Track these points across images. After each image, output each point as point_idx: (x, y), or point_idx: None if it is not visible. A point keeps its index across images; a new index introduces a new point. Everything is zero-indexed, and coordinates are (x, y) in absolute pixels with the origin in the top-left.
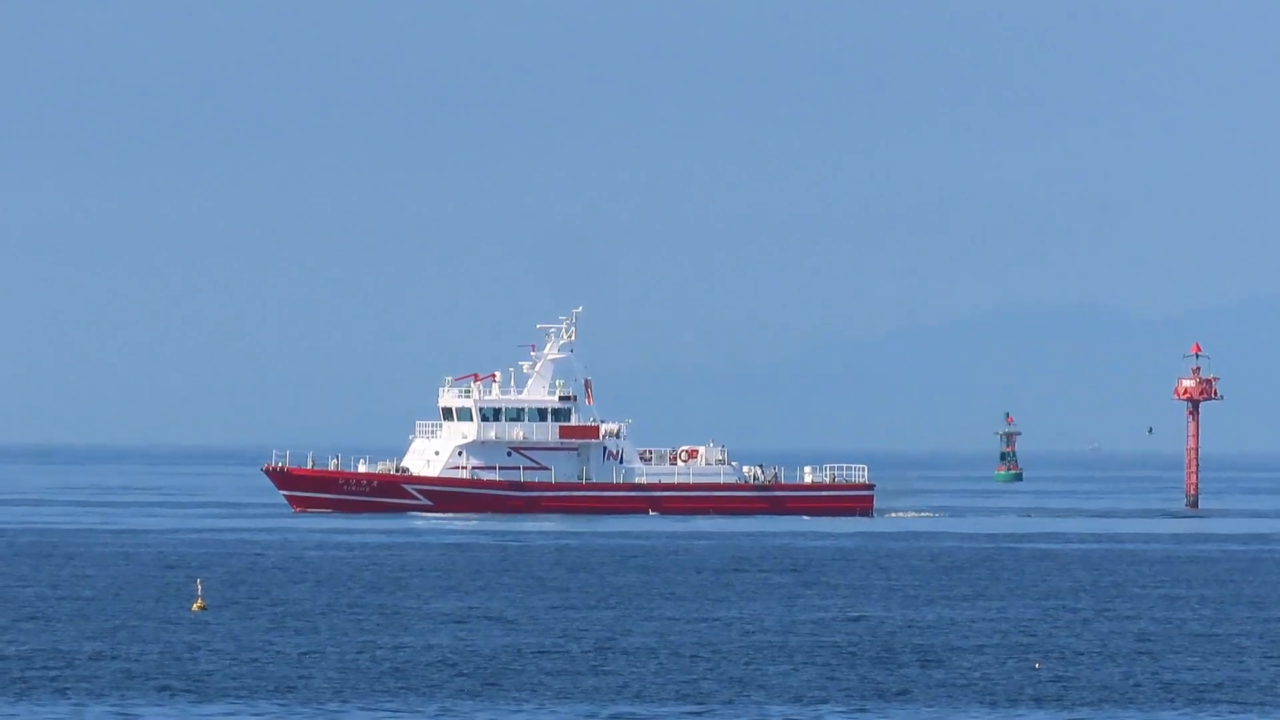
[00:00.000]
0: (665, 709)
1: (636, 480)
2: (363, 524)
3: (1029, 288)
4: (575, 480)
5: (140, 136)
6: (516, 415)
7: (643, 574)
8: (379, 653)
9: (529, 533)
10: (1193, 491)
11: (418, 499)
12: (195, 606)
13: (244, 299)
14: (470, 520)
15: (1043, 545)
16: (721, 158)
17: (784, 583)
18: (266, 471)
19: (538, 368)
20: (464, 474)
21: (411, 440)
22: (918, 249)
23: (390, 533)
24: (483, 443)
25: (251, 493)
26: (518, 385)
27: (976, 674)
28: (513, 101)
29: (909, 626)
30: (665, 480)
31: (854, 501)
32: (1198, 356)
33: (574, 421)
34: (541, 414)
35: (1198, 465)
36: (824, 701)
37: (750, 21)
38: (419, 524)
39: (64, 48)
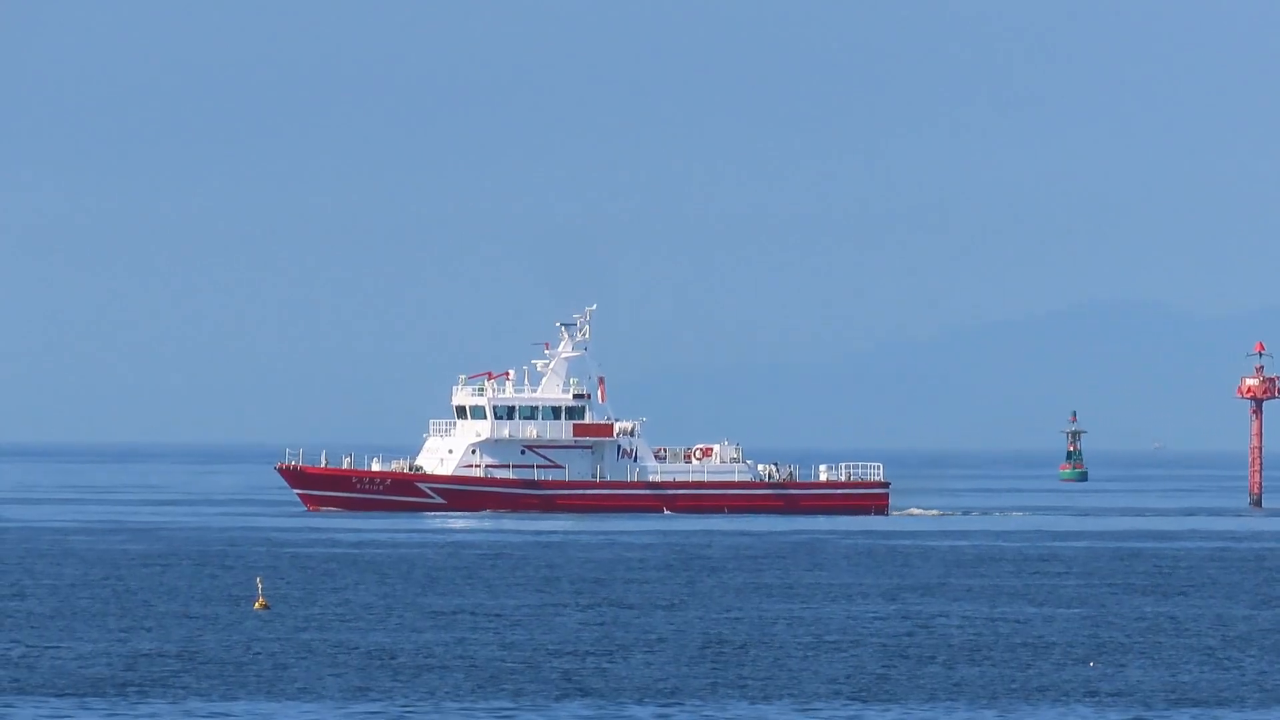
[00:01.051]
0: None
1: (650, 479)
2: (411, 523)
3: (1093, 286)
4: (589, 479)
5: (141, 136)
6: (530, 413)
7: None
8: (467, 649)
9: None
10: (1256, 490)
11: (431, 497)
12: (257, 605)
13: (246, 298)
14: (499, 518)
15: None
16: (722, 157)
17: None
18: (280, 470)
19: (552, 366)
20: (478, 472)
21: (425, 439)
22: (984, 248)
23: (471, 531)
24: (496, 441)
25: (267, 490)
26: (532, 383)
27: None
28: (514, 101)
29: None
30: (679, 479)
31: (869, 500)
32: (1261, 355)
33: (588, 420)
34: (555, 412)
35: (1261, 464)
36: (955, 700)
37: (751, 21)
38: (506, 524)
39: (64, 48)
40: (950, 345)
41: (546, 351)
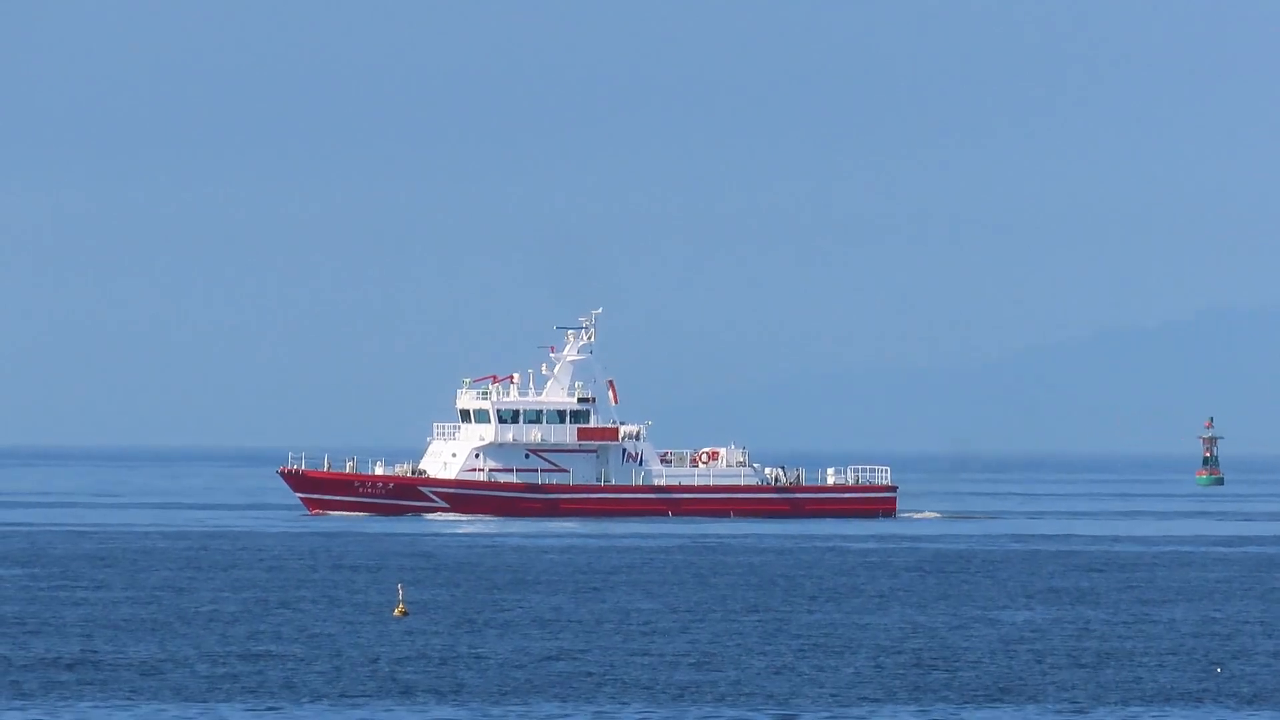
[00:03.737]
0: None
1: (656, 482)
2: (516, 526)
3: (1229, 292)
4: (594, 482)
5: (142, 137)
6: (535, 417)
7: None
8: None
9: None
10: None
11: (434, 501)
12: (396, 611)
13: (247, 301)
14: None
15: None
16: (751, 154)
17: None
18: (282, 474)
19: (557, 369)
20: (481, 476)
21: (429, 442)
22: (1118, 251)
23: (574, 534)
24: (500, 445)
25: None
26: (536, 387)
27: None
28: (514, 101)
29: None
30: (685, 482)
31: (876, 504)
32: None
33: (593, 423)
34: (560, 416)
35: None
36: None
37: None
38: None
39: (63, 48)
40: (1087, 350)
41: (551, 355)
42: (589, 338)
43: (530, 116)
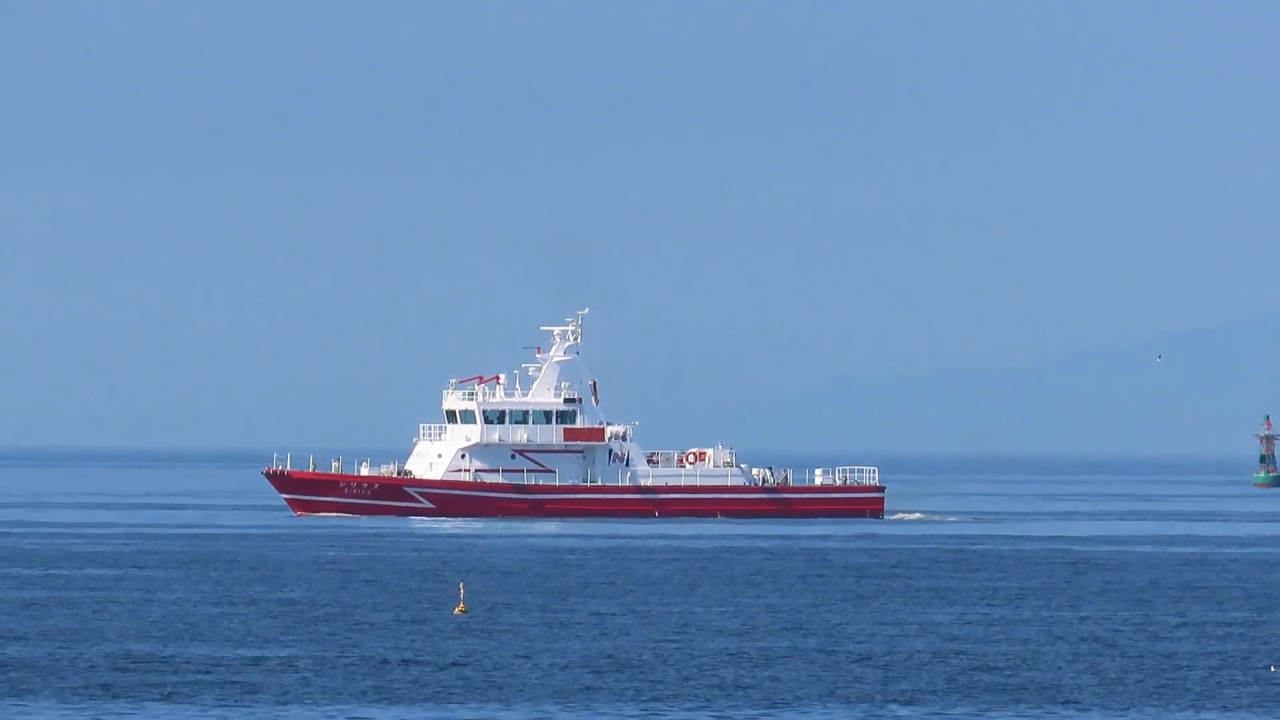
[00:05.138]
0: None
1: (642, 483)
2: (584, 528)
3: None
4: (580, 483)
5: (142, 137)
6: (521, 418)
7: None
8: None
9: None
10: None
11: (420, 502)
12: (457, 610)
13: (235, 302)
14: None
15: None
16: (735, 157)
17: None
18: (267, 475)
19: (543, 370)
20: (467, 477)
21: (415, 443)
22: (1171, 252)
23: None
24: (486, 445)
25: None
26: (523, 387)
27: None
28: (514, 101)
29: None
30: (671, 482)
31: (864, 504)
32: None
33: (579, 424)
34: (546, 416)
35: None
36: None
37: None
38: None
39: (63, 48)
40: (1134, 352)
41: (538, 355)
42: (575, 338)
43: (530, 116)
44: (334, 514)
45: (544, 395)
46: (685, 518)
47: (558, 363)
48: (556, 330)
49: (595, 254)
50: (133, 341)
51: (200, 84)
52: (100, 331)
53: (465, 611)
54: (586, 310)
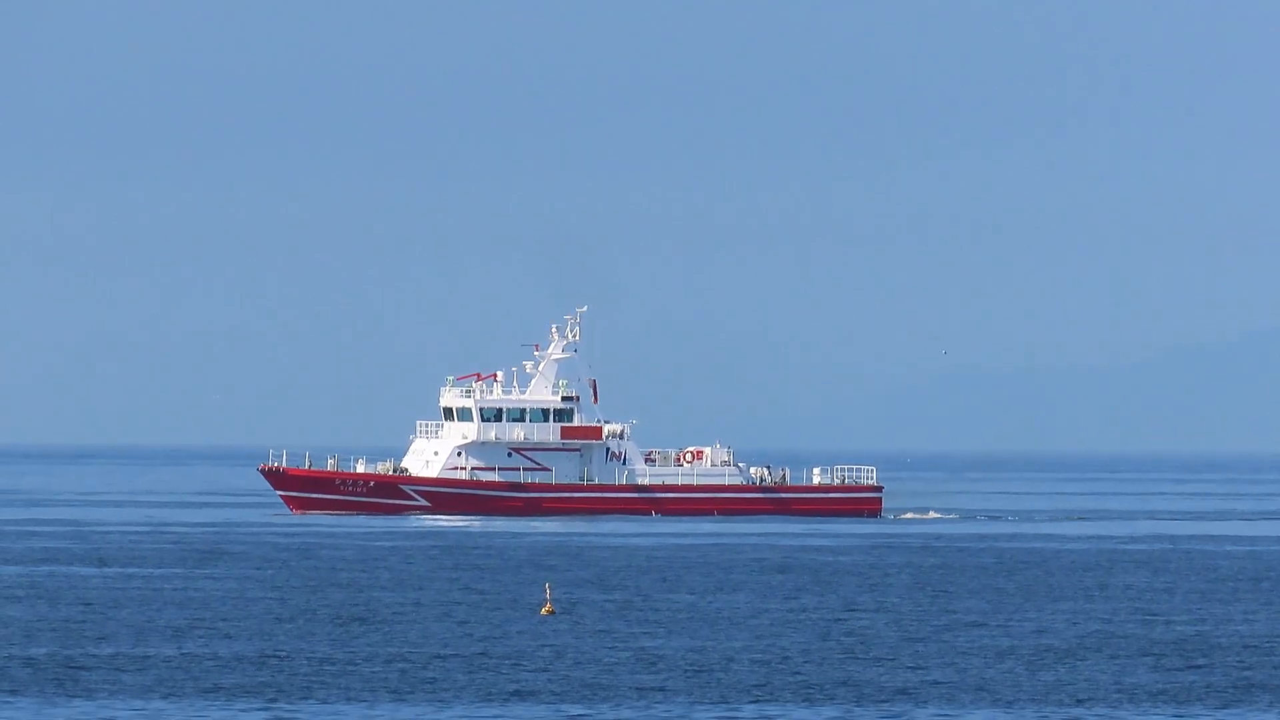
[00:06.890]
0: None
1: (639, 481)
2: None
3: None
4: (577, 481)
5: (142, 137)
6: (518, 416)
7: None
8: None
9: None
10: None
11: (416, 500)
12: (544, 610)
13: (230, 299)
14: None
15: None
16: (733, 160)
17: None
18: (263, 472)
19: (541, 368)
20: (463, 475)
21: (411, 440)
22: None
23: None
24: (483, 443)
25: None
26: (520, 385)
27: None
28: (514, 101)
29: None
30: (669, 481)
31: (862, 504)
32: None
33: (577, 422)
34: (543, 414)
35: None
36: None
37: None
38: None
39: (63, 49)
40: (1239, 350)
41: (536, 353)
42: (573, 336)
43: (530, 117)
44: (329, 512)
45: (542, 393)
46: (682, 517)
47: (556, 360)
48: (554, 327)
49: (595, 253)
50: (133, 341)
51: (201, 84)
52: (100, 331)
53: (552, 612)
54: (585, 308)
